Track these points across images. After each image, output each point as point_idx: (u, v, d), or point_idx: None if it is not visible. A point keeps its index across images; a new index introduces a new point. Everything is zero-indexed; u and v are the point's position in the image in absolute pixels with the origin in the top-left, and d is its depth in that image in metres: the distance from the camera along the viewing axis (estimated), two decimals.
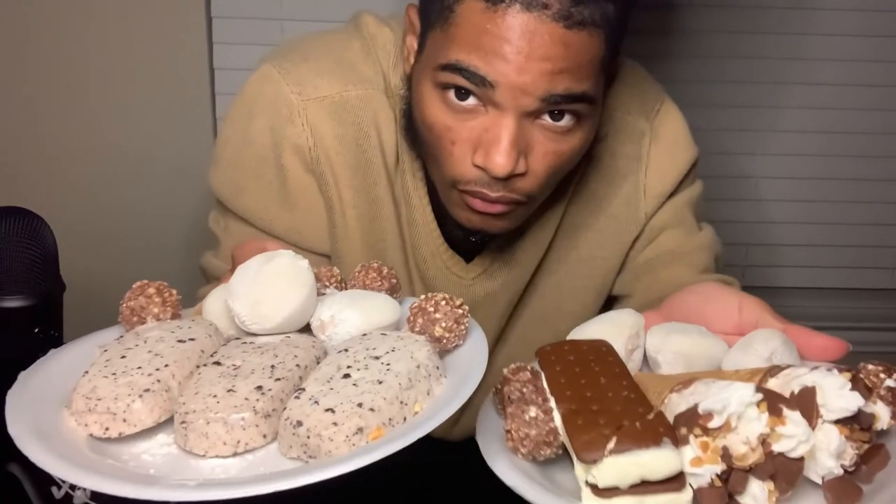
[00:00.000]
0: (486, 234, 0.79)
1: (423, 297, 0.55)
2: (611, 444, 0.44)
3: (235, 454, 0.47)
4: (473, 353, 0.53)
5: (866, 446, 0.48)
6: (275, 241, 0.67)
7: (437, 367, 0.51)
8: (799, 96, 1.52)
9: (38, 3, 1.33)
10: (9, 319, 0.65)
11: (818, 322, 1.80)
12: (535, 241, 0.88)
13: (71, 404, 0.49)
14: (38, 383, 0.52)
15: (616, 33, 0.71)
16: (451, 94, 0.70)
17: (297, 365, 0.50)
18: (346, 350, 0.51)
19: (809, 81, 1.51)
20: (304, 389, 0.47)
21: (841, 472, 0.47)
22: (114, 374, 0.49)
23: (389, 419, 0.46)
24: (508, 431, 0.50)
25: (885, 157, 1.57)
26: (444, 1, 0.69)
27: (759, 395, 0.45)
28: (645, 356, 0.61)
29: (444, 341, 0.53)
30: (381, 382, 0.47)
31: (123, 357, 0.51)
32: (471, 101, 0.70)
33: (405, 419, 0.47)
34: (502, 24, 0.66)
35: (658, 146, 0.88)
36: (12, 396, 0.50)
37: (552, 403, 0.50)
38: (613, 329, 0.60)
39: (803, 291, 1.65)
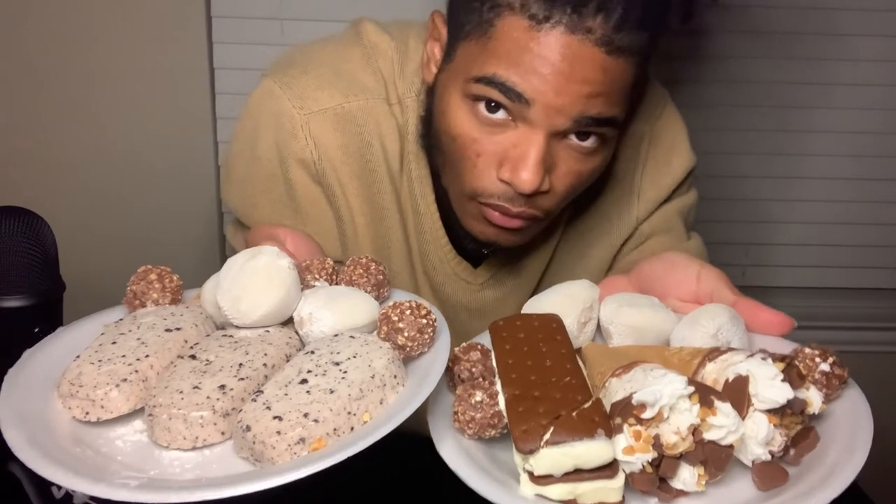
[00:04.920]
0: (498, 247, 0.80)
1: (391, 303, 0.55)
2: (547, 436, 0.46)
3: (194, 448, 0.50)
4: (432, 363, 0.54)
5: (799, 427, 0.50)
6: (285, 228, 0.69)
7: (396, 377, 0.52)
8: (799, 96, 1.51)
9: (39, 3, 1.33)
10: (9, 319, 0.65)
11: (818, 322, 1.79)
12: (541, 247, 0.88)
13: (59, 387, 0.52)
14: (37, 363, 0.55)
15: (646, 62, 0.71)
16: (482, 106, 0.70)
17: (265, 364, 0.53)
18: (313, 352, 0.53)
19: (809, 81, 1.51)
20: (262, 392, 0.50)
21: (769, 457, 0.49)
22: (100, 360, 0.53)
23: (334, 429, 0.48)
24: (456, 413, 0.52)
25: (885, 157, 1.56)
26: (482, 14, 0.69)
27: (691, 388, 0.46)
28: (599, 325, 0.63)
29: (408, 349, 0.54)
30: (332, 392, 0.49)
31: (114, 343, 0.54)
32: (500, 114, 0.70)
33: (352, 429, 0.49)
34: (545, 43, 0.66)
35: (656, 150, 0.88)
36: (9, 377, 0.53)
37: (498, 386, 0.52)
38: (567, 302, 0.62)
39: (803, 291, 1.65)
